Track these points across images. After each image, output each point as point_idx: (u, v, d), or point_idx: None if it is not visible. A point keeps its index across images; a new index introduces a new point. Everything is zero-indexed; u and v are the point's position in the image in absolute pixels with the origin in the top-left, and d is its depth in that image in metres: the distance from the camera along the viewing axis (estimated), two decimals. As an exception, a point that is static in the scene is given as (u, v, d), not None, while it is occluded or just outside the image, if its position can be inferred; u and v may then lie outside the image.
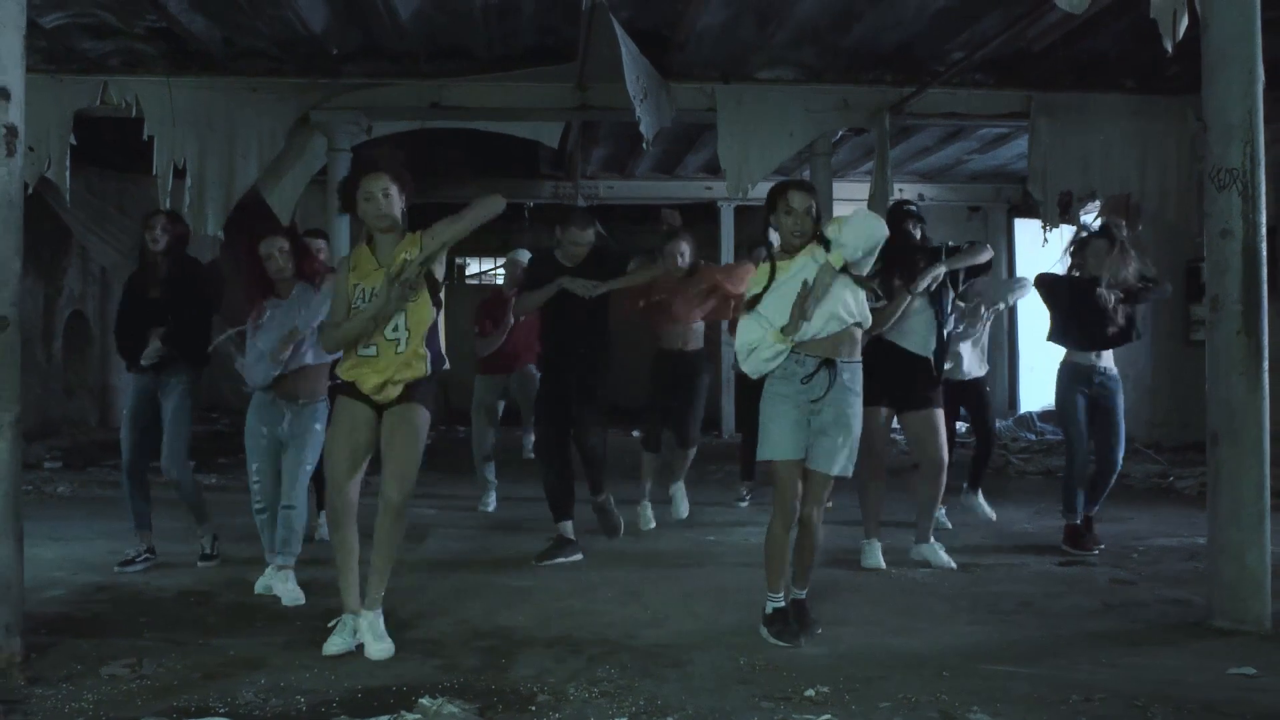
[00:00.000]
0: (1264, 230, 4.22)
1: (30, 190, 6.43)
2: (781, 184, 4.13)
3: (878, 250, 4.01)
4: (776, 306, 3.98)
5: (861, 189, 9.36)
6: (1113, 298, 5.60)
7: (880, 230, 3.97)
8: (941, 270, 5.29)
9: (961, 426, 7.79)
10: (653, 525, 6.35)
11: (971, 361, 6.64)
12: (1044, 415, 12.03)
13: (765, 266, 4.08)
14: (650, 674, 3.59)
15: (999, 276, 6.20)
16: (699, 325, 6.45)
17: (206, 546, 5.40)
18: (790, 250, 4.06)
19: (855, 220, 4.01)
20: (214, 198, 7.99)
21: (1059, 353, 5.98)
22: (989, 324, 6.79)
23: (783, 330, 3.94)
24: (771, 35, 7.30)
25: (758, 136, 8.26)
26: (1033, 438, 11.34)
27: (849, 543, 5.51)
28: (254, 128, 8.01)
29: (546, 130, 9.21)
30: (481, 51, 7.66)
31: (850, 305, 3.99)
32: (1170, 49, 4.50)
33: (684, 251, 6.22)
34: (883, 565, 5.31)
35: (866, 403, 4.19)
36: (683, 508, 6.64)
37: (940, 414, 5.45)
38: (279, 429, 4.91)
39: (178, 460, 5.25)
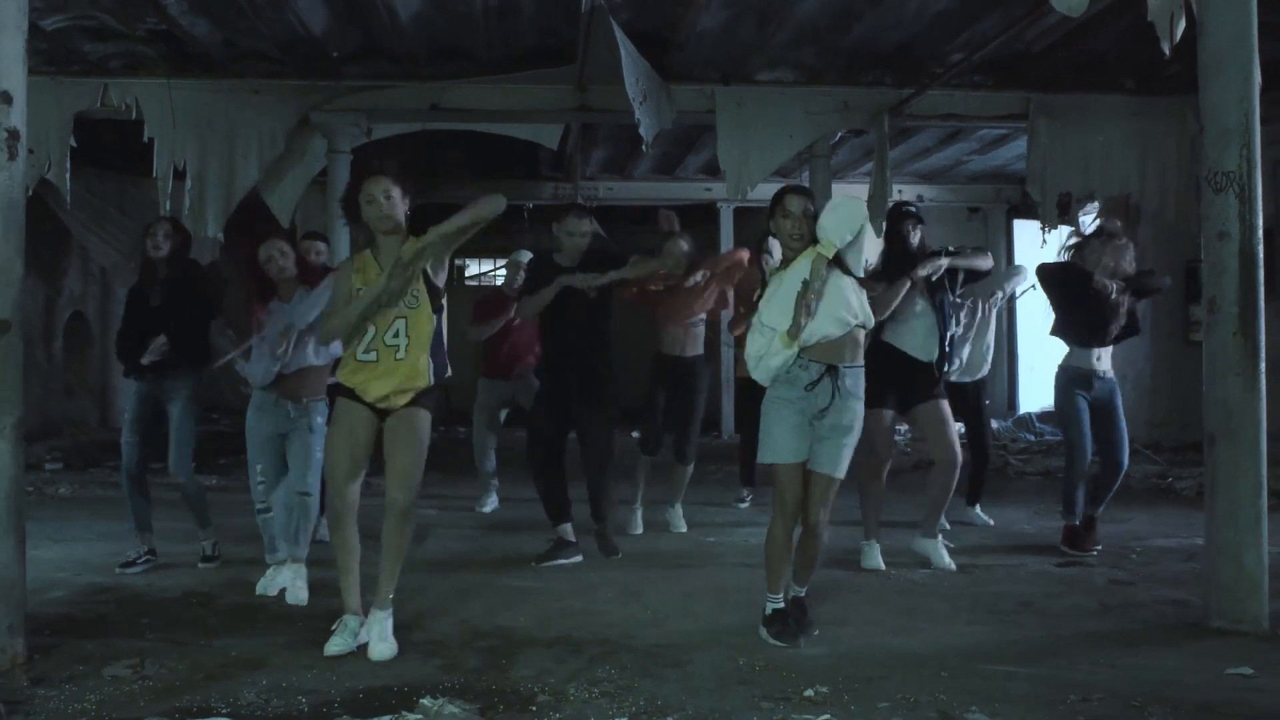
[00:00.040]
0: (1260, 232, 4.24)
1: (30, 192, 6.44)
2: (779, 190, 4.21)
3: (863, 234, 4.03)
4: (779, 310, 4.01)
5: (861, 190, 9.36)
6: (1113, 287, 5.60)
7: (859, 210, 4.03)
8: (944, 262, 5.31)
9: (960, 427, 7.77)
10: (641, 530, 6.31)
11: (972, 360, 6.56)
12: (1043, 416, 12.04)
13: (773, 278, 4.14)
14: (650, 674, 3.60)
15: (997, 270, 6.16)
16: (699, 330, 6.39)
17: (208, 548, 5.42)
18: (790, 256, 4.11)
19: (832, 206, 4.07)
20: (214, 199, 7.99)
21: (1058, 353, 5.97)
22: (991, 320, 6.69)
23: (788, 332, 3.96)
24: (771, 36, 7.31)
25: (757, 138, 8.27)
26: (1032, 438, 11.34)
27: (849, 543, 5.52)
28: (254, 129, 8.01)
29: (546, 132, 9.22)
30: (481, 53, 7.67)
31: (853, 306, 4.02)
32: (1168, 51, 4.52)
33: (684, 250, 6.20)
34: (882, 566, 5.32)
35: (870, 405, 4.24)
36: (681, 527, 6.49)
37: (946, 404, 5.45)
38: (282, 428, 4.92)
39: (184, 464, 5.27)
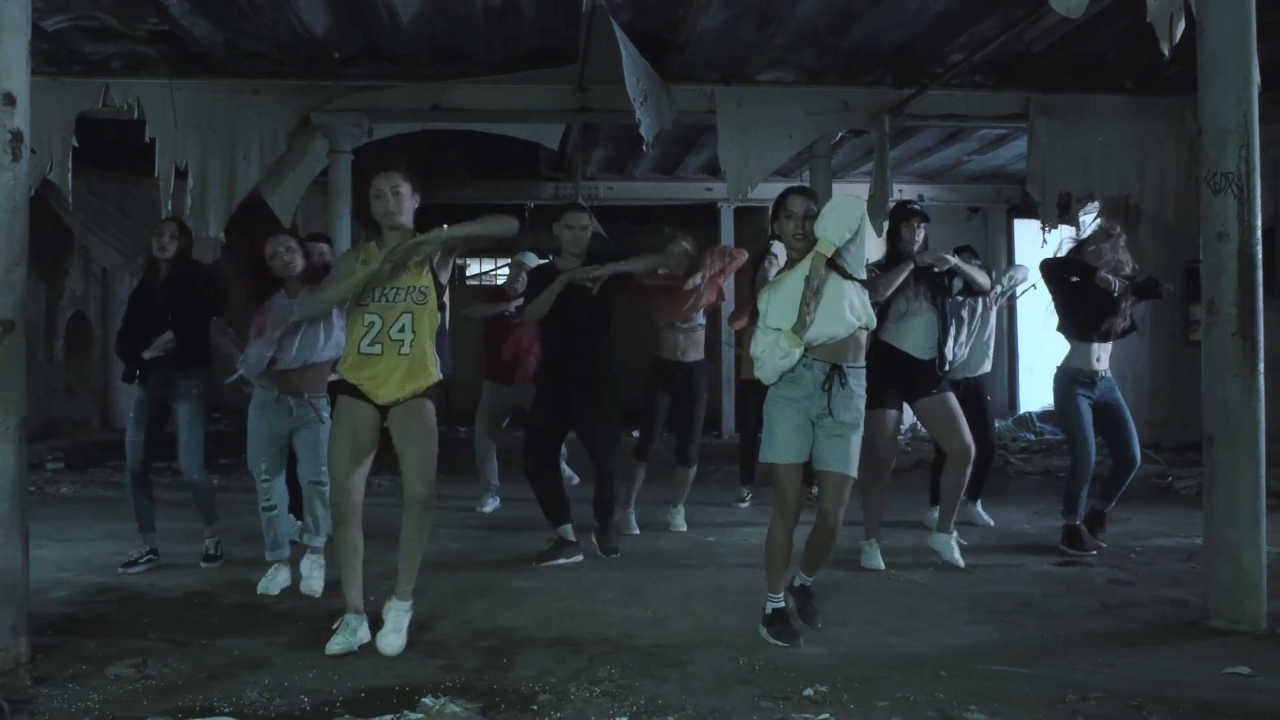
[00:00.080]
0: (1259, 233, 4.25)
1: (32, 192, 6.45)
2: (782, 191, 4.23)
3: (861, 233, 4.03)
4: (782, 310, 4.02)
5: (861, 190, 9.37)
6: (1116, 283, 5.61)
7: (857, 209, 4.04)
8: (952, 259, 5.34)
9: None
10: (636, 530, 6.31)
11: (973, 357, 6.55)
12: (1044, 415, 12.03)
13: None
14: (650, 674, 3.62)
15: (997, 269, 6.18)
16: (699, 335, 6.36)
17: (210, 548, 5.43)
18: (794, 257, 4.13)
19: (831, 206, 4.09)
20: (215, 200, 8.01)
21: (1058, 353, 5.99)
22: (991, 317, 6.68)
23: (794, 329, 3.98)
24: (771, 37, 7.32)
25: (757, 138, 8.28)
26: (1032, 438, 11.35)
27: (849, 543, 5.51)
28: (255, 130, 8.03)
29: (547, 132, 9.23)
30: (482, 54, 7.68)
31: (856, 306, 4.04)
32: (1167, 52, 4.53)
33: (687, 251, 6.19)
34: (882, 566, 5.33)
35: (871, 405, 4.25)
36: (682, 526, 6.48)
37: (952, 397, 5.46)
38: (284, 426, 4.93)
39: (195, 463, 5.29)
